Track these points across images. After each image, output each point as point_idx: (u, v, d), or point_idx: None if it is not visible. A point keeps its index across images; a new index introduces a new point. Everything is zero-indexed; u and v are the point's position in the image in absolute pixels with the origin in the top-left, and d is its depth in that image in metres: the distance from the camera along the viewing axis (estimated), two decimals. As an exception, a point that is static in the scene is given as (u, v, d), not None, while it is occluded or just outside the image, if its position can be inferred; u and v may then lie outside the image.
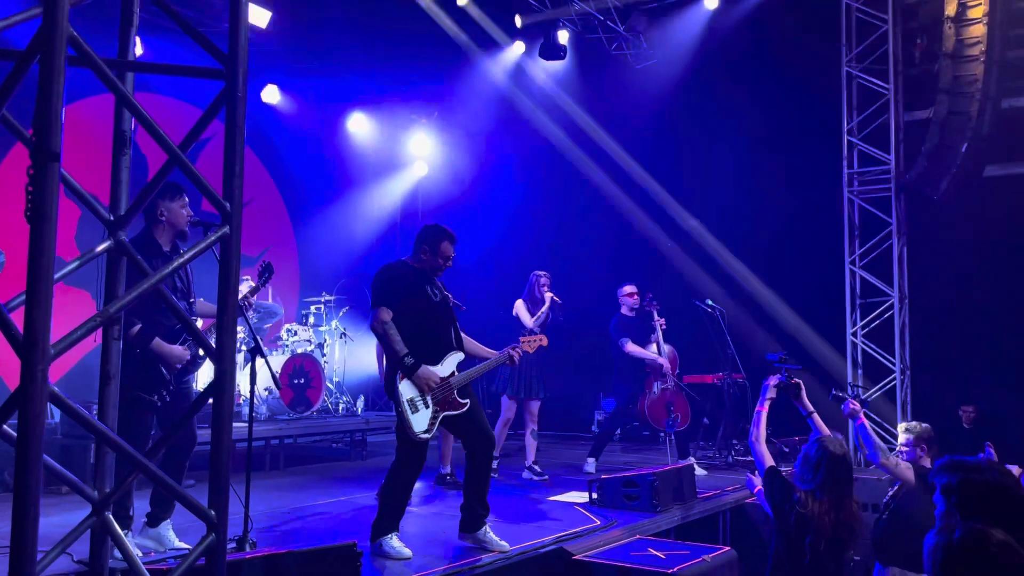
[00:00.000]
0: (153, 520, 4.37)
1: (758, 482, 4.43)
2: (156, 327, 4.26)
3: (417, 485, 4.68)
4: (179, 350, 4.33)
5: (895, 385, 8.84)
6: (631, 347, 7.64)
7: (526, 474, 7.24)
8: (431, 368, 4.53)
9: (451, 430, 4.78)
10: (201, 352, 4.43)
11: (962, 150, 8.27)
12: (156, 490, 4.40)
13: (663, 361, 7.71)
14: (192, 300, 4.59)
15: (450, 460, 6.97)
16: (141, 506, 4.39)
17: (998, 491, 2.78)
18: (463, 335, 4.96)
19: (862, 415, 4.93)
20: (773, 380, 4.59)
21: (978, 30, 8.01)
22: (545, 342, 5.46)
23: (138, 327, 4.18)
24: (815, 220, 9.58)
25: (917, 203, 9.05)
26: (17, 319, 1.77)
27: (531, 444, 7.34)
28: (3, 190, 7.98)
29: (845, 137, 9.22)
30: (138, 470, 2.05)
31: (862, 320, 9.10)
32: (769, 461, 4.27)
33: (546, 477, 7.20)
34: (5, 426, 2.00)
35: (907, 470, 4.68)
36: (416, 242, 4.81)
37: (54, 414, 6.59)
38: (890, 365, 8.86)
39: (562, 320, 7.40)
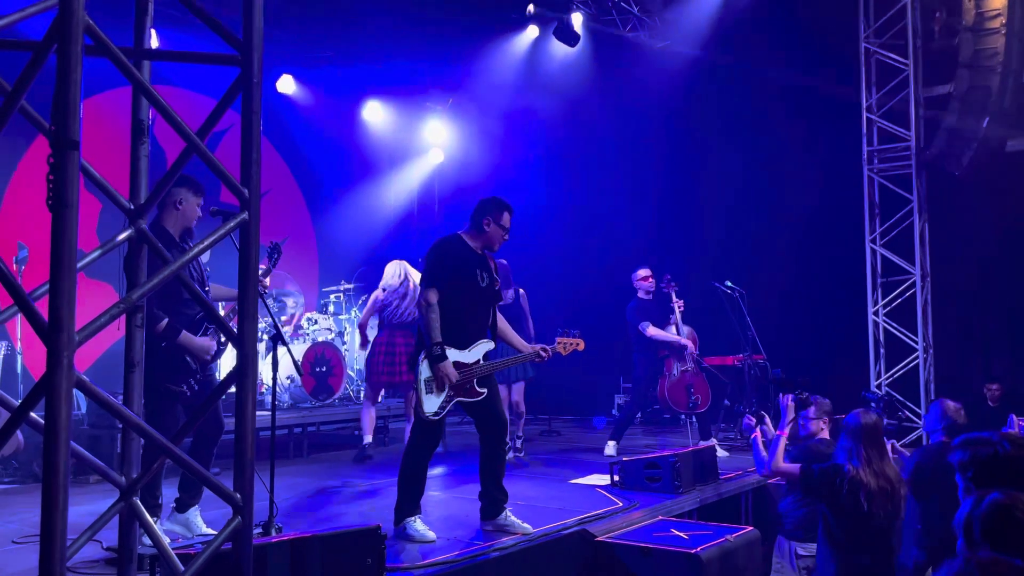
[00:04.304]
0: (181, 506, 4.42)
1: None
2: (180, 318, 4.30)
3: (440, 469, 4.71)
4: (206, 341, 4.37)
5: (918, 364, 8.77)
6: (652, 330, 7.59)
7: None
8: (455, 359, 4.53)
9: (466, 412, 4.79)
10: (223, 339, 4.47)
11: (983, 125, 8.17)
12: (184, 476, 4.45)
13: (686, 342, 7.67)
14: (207, 288, 4.63)
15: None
16: (170, 493, 4.45)
17: (1010, 462, 2.80)
18: (502, 320, 4.94)
19: (757, 431, 5.07)
20: (789, 400, 4.75)
21: (998, 2, 7.88)
22: (581, 346, 5.20)
23: (165, 321, 4.22)
24: (834, 198, 9.49)
25: (938, 180, 8.95)
26: (42, 310, 1.79)
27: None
28: (25, 185, 8.07)
29: (864, 114, 9.12)
30: (165, 455, 2.07)
31: (883, 299, 9.02)
32: (794, 467, 4.55)
33: (522, 454, 7.41)
34: (33, 414, 2.04)
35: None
36: (476, 215, 4.77)
37: (80, 405, 6.67)
38: (912, 344, 8.79)
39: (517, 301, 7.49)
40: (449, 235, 4.81)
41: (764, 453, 4.99)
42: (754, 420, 5.20)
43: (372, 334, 7.74)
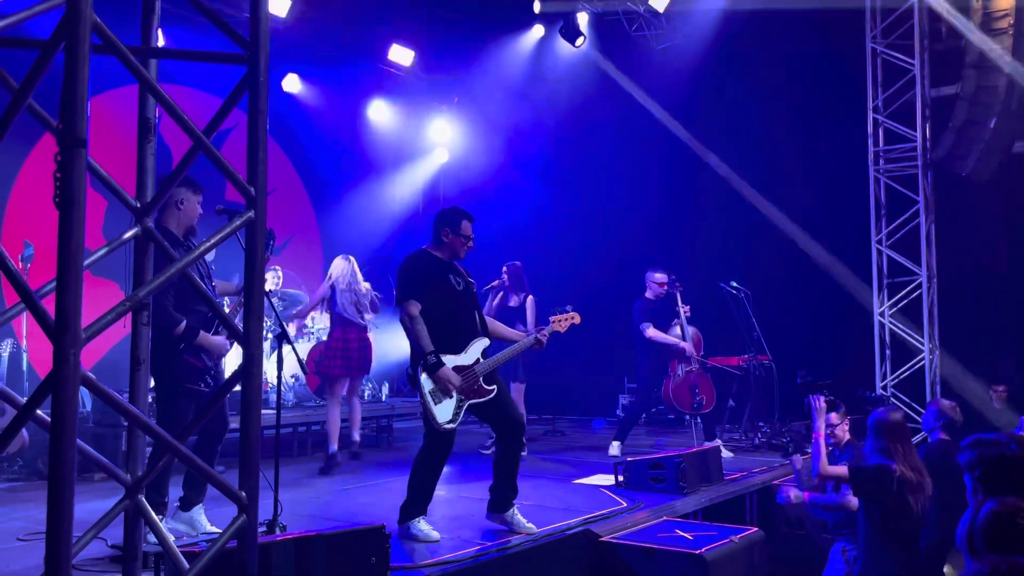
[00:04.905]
0: (186, 504, 4.43)
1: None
2: (194, 316, 4.33)
3: (446, 469, 4.70)
4: (221, 340, 4.40)
5: (924, 365, 8.75)
6: (652, 332, 7.59)
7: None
8: (454, 363, 4.52)
9: (478, 416, 4.78)
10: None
11: (990, 126, 8.15)
12: (189, 474, 4.47)
13: (686, 345, 7.65)
14: (213, 284, 4.66)
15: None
16: (175, 492, 4.46)
17: (1017, 463, 2.83)
18: (489, 319, 4.93)
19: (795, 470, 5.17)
20: (821, 401, 4.90)
21: (1006, 2, 7.87)
22: (578, 319, 5.08)
23: (183, 324, 4.25)
24: (840, 199, 9.48)
25: (945, 180, 8.93)
26: (48, 307, 1.79)
27: None
28: (31, 183, 8.09)
29: (870, 115, 9.11)
30: (170, 453, 2.07)
31: (889, 300, 9.00)
32: (843, 469, 4.67)
33: (525, 453, 7.32)
34: (39, 411, 2.04)
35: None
36: (435, 227, 4.79)
37: (85, 403, 6.69)
38: (919, 345, 8.77)
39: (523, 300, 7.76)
40: (414, 251, 4.81)
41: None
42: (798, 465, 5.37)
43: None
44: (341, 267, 7.20)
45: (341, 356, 7.11)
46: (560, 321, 5.06)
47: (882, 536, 4.49)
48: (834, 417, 5.22)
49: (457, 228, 4.73)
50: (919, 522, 4.50)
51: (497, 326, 5.01)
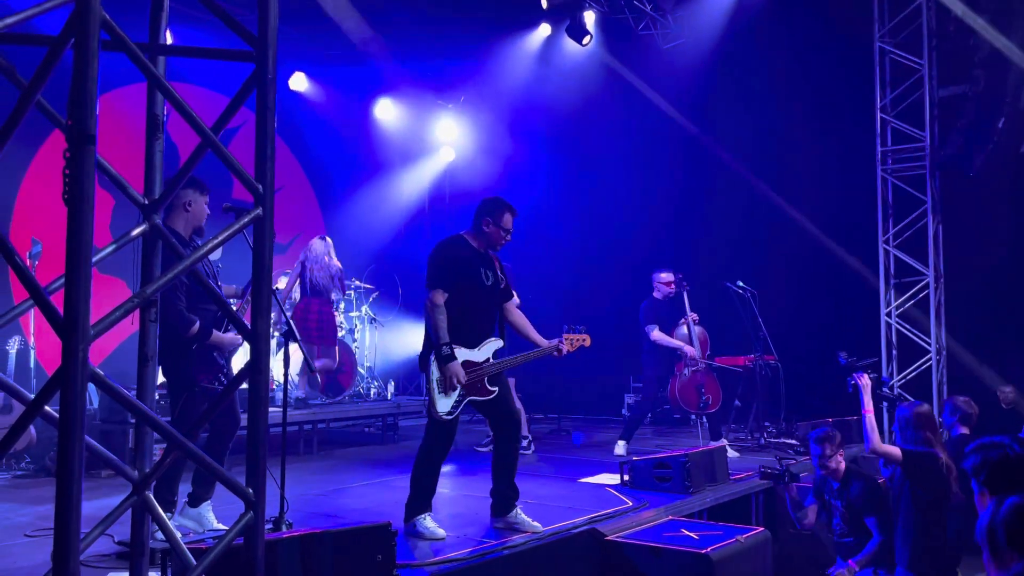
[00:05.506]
0: (194, 500, 4.44)
1: None
2: (205, 315, 4.34)
3: (450, 467, 4.71)
4: (233, 335, 4.42)
5: (931, 366, 8.72)
6: (656, 335, 7.57)
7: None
8: (466, 357, 4.53)
9: (478, 410, 4.79)
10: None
11: (999, 126, 8.11)
12: (198, 470, 4.47)
13: (689, 350, 7.61)
14: (220, 284, 4.67)
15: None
16: (183, 489, 4.47)
17: (1021, 463, 2.83)
18: (522, 316, 4.94)
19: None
20: (865, 378, 5.02)
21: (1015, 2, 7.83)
22: (588, 342, 5.09)
23: (197, 324, 4.27)
24: (847, 199, 9.45)
25: (952, 181, 8.89)
26: (56, 304, 1.80)
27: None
28: (39, 181, 8.12)
29: (878, 115, 9.08)
30: (178, 449, 2.08)
31: (896, 300, 8.97)
32: (895, 449, 4.75)
33: (531, 451, 7.59)
34: (47, 408, 2.04)
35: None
36: (477, 215, 4.77)
37: (92, 400, 6.70)
38: (925, 346, 8.75)
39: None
40: (451, 236, 4.80)
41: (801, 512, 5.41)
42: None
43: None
44: (316, 246, 8.09)
45: (299, 325, 7.57)
46: (572, 340, 5.06)
47: (930, 525, 4.58)
48: (828, 448, 5.17)
49: (499, 220, 4.72)
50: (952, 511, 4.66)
51: (526, 326, 4.98)
